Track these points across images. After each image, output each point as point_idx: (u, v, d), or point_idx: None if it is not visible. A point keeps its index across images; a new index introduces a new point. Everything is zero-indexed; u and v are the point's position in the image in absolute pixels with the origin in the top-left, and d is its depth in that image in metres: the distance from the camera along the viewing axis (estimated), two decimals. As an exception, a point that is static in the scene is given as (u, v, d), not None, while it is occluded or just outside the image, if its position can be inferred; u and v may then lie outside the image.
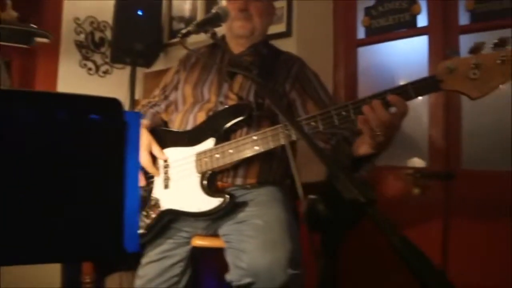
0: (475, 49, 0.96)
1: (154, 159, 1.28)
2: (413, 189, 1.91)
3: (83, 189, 0.63)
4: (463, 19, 1.86)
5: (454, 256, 1.78)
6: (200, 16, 2.33)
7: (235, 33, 1.37)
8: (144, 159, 1.25)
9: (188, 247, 1.28)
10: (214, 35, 1.08)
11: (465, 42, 1.81)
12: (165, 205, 1.23)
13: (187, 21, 2.44)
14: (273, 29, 1.69)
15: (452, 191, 1.82)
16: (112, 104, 0.64)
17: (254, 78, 0.90)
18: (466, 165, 1.82)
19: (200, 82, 1.37)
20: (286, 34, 1.96)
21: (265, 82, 0.93)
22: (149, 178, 1.29)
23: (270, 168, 1.29)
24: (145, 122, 1.36)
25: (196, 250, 1.31)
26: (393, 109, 0.96)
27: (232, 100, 1.29)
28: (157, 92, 1.54)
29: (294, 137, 1.06)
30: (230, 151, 1.14)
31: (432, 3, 1.92)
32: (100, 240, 0.65)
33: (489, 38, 0.96)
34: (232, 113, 1.21)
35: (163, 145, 1.29)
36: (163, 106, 1.49)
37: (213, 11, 1.15)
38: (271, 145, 1.09)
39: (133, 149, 0.69)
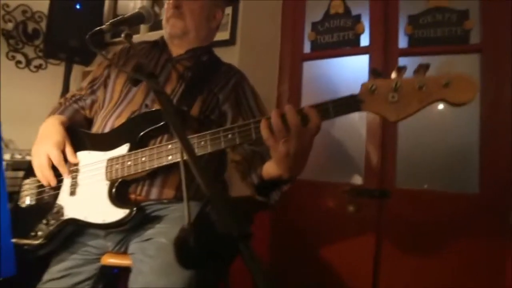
0: (398, 73, 0.94)
1: (66, 159, 1.18)
2: (348, 207, 1.92)
3: None
4: (403, 42, 1.92)
5: (385, 272, 1.80)
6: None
7: (167, 32, 1.33)
8: (55, 156, 1.15)
9: (98, 264, 1.17)
10: (128, 36, 1.00)
11: (404, 64, 1.86)
12: (68, 213, 1.12)
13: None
14: (216, 36, 1.65)
15: (385, 209, 1.84)
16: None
17: (153, 86, 0.83)
18: (400, 184, 1.85)
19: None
20: (230, 42, 1.92)
21: (164, 91, 0.86)
22: (59, 181, 1.18)
23: (192, 180, 1.20)
24: (62, 118, 1.27)
25: (110, 268, 1.19)
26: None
27: (159, 105, 1.21)
28: (84, 84, 1.43)
29: (209, 149, 1.00)
30: (143, 159, 1.07)
31: (374, 25, 1.96)
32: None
33: (425, 62, 0.95)
34: (150, 118, 1.14)
35: (77, 147, 1.20)
36: (88, 101, 1.39)
37: (137, 10, 1.08)
38: (185, 156, 1.01)
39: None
